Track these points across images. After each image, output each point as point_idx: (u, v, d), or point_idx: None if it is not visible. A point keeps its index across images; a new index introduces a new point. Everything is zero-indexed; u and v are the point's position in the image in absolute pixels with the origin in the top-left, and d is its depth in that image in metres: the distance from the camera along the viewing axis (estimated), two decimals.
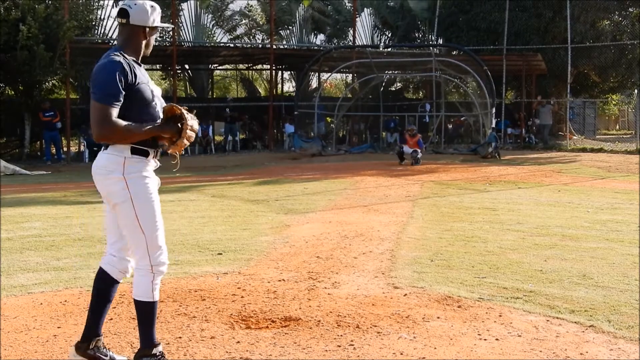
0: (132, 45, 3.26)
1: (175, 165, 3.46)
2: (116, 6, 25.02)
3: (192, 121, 3.26)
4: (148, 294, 3.25)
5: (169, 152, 3.32)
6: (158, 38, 29.86)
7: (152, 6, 3.29)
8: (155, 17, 3.29)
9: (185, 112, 3.24)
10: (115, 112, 3.08)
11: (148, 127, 3.16)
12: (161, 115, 3.28)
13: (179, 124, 3.23)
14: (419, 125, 24.63)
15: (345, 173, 15.15)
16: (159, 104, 3.31)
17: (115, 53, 3.20)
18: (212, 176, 15.07)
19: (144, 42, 3.29)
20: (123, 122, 3.09)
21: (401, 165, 17.18)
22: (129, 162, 3.17)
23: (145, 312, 3.29)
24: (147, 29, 3.27)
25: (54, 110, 20.01)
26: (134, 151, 3.18)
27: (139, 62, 3.30)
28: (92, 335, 3.37)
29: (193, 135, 3.28)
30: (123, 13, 3.24)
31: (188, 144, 3.30)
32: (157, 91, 3.32)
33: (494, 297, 4.67)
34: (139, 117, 3.16)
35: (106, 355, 3.39)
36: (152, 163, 3.28)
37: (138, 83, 3.17)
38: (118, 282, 3.38)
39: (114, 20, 25.89)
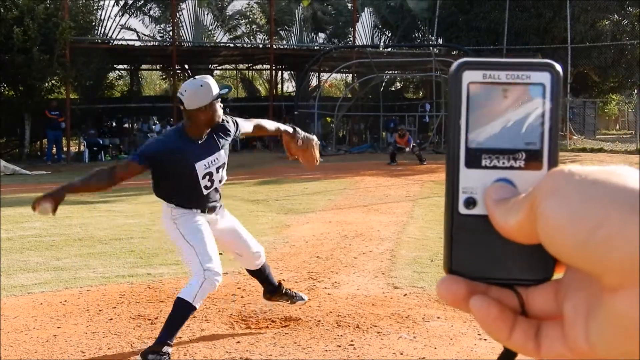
0: (192, 124, 3.53)
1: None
2: (117, 5, 25.15)
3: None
4: (190, 295, 3.45)
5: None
6: (158, 38, 29.68)
7: (201, 85, 3.47)
8: (209, 93, 3.46)
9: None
10: (130, 166, 3.48)
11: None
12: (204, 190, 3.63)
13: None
14: (419, 125, 24.62)
15: (345, 173, 15.15)
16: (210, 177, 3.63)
17: (173, 132, 3.66)
18: None
19: (204, 119, 3.50)
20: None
21: (392, 165, 17.19)
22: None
23: (177, 310, 3.46)
24: (205, 107, 3.46)
25: (59, 110, 20.06)
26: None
27: (203, 136, 3.57)
28: (273, 291, 4.15)
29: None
30: (179, 101, 3.53)
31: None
32: (214, 162, 3.60)
33: None
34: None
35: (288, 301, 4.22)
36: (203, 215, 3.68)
37: (172, 159, 3.49)
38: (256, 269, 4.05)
39: (114, 20, 25.94)
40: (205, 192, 3.59)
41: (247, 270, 4.08)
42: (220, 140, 3.62)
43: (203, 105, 3.45)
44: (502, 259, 0.43)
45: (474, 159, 0.44)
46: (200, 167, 3.54)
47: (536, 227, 0.37)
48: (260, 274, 4.05)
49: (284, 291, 4.14)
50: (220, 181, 3.66)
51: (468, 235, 0.44)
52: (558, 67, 0.43)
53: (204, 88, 3.45)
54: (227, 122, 3.67)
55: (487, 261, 0.43)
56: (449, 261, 0.44)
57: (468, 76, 0.44)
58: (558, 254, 0.37)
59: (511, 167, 0.44)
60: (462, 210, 0.44)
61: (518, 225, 0.39)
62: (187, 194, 3.57)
